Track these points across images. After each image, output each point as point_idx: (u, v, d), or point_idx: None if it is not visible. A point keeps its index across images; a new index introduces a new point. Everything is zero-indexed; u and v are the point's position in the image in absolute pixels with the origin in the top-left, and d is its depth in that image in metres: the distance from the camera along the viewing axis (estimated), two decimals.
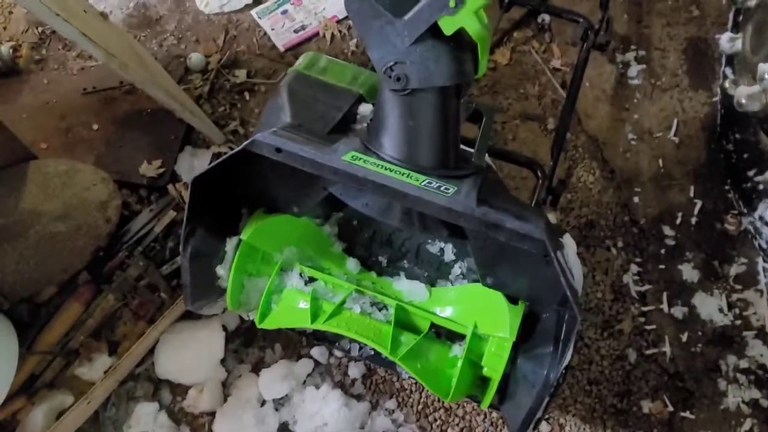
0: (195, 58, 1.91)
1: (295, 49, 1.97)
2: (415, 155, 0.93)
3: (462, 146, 1.02)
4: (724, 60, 1.66)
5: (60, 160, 1.54)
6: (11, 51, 1.91)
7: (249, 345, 1.53)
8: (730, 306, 1.54)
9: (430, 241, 1.20)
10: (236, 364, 1.51)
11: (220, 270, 1.11)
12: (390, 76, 0.88)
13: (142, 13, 2.06)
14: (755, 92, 1.31)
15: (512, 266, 1.01)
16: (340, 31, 1.97)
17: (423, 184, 0.89)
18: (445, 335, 1.16)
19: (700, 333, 1.52)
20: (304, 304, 1.12)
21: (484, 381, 1.12)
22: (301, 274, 1.17)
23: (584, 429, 1.44)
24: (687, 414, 1.44)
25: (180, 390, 1.49)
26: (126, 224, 1.58)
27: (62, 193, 1.47)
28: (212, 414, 1.46)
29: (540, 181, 1.37)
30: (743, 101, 1.33)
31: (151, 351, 1.50)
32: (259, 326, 1.14)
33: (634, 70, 1.84)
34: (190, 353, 1.47)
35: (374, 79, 1.18)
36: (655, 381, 1.48)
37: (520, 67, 1.87)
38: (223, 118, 1.85)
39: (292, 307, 1.13)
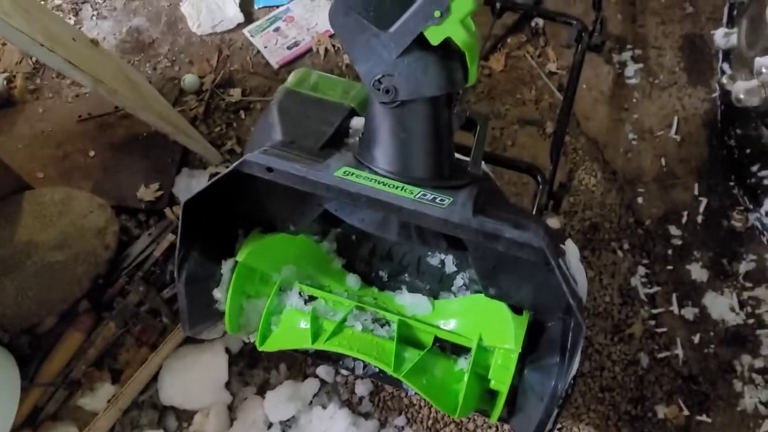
0: (189, 80, 1.91)
1: (290, 65, 1.96)
2: (409, 167, 0.91)
3: (458, 155, 1.00)
4: (720, 55, 1.64)
5: (55, 189, 1.53)
6: (5, 82, 1.91)
7: (253, 366, 1.51)
8: (742, 304, 1.51)
9: (430, 253, 1.18)
10: (241, 386, 1.48)
11: (217, 293, 1.09)
12: (378, 89, 0.86)
13: (135, 37, 2.06)
14: (753, 87, 1.29)
15: (514, 275, 0.99)
16: (333, 46, 1.97)
17: (418, 196, 0.87)
18: (450, 349, 1.13)
19: (712, 333, 1.49)
20: (304, 324, 1.09)
21: (492, 394, 1.09)
22: (300, 293, 1.15)
23: None
24: (703, 417, 1.41)
25: (186, 416, 1.47)
26: (125, 250, 1.56)
27: (59, 222, 1.46)
28: None
29: (540, 186, 1.35)
30: (741, 96, 1.31)
31: (155, 378, 1.47)
32: (259, 349, 1.12)
33: (631, 69, 1.82)
34: (194, 378, 1.45)
35: (365, 92, 1.16)
36: (669, 385, 1.44)
37: (516, 73, 1.86)
38: (220, 138, 1.84)
39: (292, 327, 1.10)
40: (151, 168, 1.76)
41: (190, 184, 1.73)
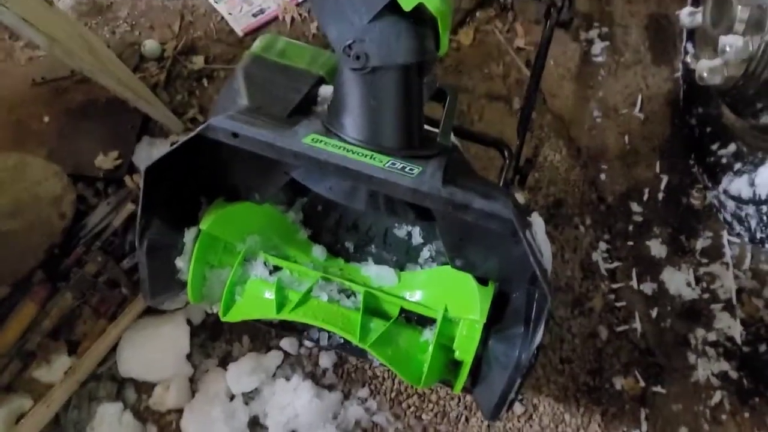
0: (150, 46, 1.84)
1: (255, 33, 1.91)
2: (378, 136, 0.90)
3: (427, 126, 0.99)
4: (685, 35, 1.66)
5: (8, 154, 1.47)
6: None
7: (216, 339, 1.49)
8: (698, 280, 1.55)
9: (397, 224, 1.18)
10: (203, 358, 1.46)
11: (179, 262, 1.07)
12: (349, 55, 0.85)
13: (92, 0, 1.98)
14: (716, 65, 1.30)
15: (481, 247, 0.99)
16: (300, 14, 1.92)
17: (387, 165, 0.87)
18: (415, 320, 1.14)
19: (669, 308, 1.53)
20: (269, 295, 1.08)
21: (456, 365, 1.11)
22: (265, 264, 1.13)
23: (558, 408, 1.43)
24: (658, 388, 1.45)
25: (145, 388, 1.45)
26: (82, 219, 1.52)
27: (12, 189, 1.40)
28: (180, 411, 1.42)
29: (507, 161, 1.35)
30: (705, 75, 1.32)
31: (114, 349, 1.44)
32: (223, 319, 1.10)
33: (597, 47, 1.83)
34: (154, 349, 1.42)
35: (334, 61, 1.14)
36: (626, 357, 1.48)
37: (484, 47, 1.85)
38: (182, 106, 1.79)
39: (256, 297, 1.09)
40: (109, 135, 1.70)
41: (150, 153, 1.68)
